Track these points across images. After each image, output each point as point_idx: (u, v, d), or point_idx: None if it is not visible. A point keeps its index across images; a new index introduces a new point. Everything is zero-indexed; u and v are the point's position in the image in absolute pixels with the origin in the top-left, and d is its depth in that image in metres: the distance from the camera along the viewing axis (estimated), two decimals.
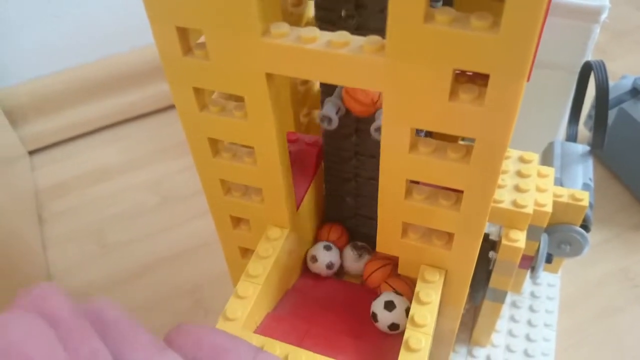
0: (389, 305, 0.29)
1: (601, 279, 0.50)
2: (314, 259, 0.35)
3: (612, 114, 0.54)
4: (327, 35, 0.22)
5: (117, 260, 0.55)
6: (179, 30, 0.23)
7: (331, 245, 0.35)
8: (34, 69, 0.64)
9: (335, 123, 0.29)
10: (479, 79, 0.21)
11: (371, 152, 0.32)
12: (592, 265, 0.51)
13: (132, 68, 0.67)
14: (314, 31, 0.22)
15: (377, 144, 0.25)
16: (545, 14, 0.19)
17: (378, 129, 0.29)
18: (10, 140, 0.64)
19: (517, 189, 0.33)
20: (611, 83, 0.59)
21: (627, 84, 0.54)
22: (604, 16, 0.40)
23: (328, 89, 0.30)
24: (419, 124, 0.23)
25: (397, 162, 0.25)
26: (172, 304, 0.50)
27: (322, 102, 0.30)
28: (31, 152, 0.67)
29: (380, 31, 0.21)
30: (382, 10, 0.25)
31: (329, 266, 0.34)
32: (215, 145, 0.29)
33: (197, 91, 0.26)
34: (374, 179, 0.33)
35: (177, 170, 0.64)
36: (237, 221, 0.34)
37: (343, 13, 0.27)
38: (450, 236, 0.28)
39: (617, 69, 0.73)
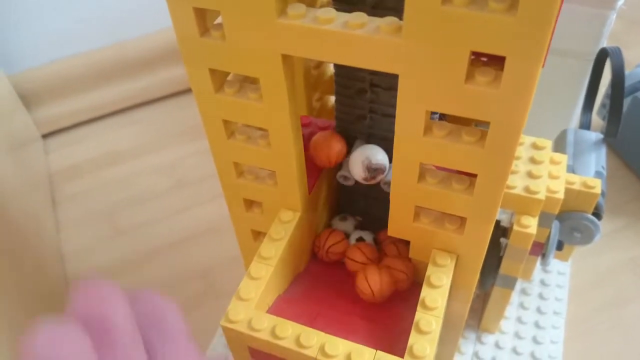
0: None
1: (611, 268, 0.50)
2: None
3: (625, 103, 0.54)
4: (344, 16, 0.22)
5: (129, 243, 0.55)
6: (196, 11, 0.23)
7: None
8: (48, 53, 0.65)
9: (352, 181, 0.32)
10: (495, 64, 0.21)
11: (385, 111, 0.31)
12: (602, 255, 0.51)
13: (145, 53, 0.67)
14: (331, 12, 0.22)
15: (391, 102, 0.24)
16: None
17: (387, 183, 0.31)
18: (25, 124, 0.65)
19: (530, 175, 0.33)
20: (626, 72, 0.58)
21: None
22: (620, 2, 0.40)
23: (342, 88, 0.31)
24: (435, 107, 0.23)
25: (411, 145, 0.25)
26: (184, 287, 0.51)
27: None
28: (45, 136, 0.68)
29: (397, 10, 0.21)
30: None
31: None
32: (229, 127, 0.29)
33: (213, 72, 0.26)
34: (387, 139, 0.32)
35: (188, 154, 0.64)
36: (249, 204, 0.34)
37: None
38: (462, 221, 0.28)
39: (632, 57, 0.72)
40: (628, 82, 0.54)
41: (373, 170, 0.30)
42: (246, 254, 0.39)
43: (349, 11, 0.23)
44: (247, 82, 0.27)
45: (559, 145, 0.43)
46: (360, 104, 0.31)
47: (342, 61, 0.23)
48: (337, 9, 0.23)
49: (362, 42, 0.22)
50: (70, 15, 0.64)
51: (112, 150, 0.66)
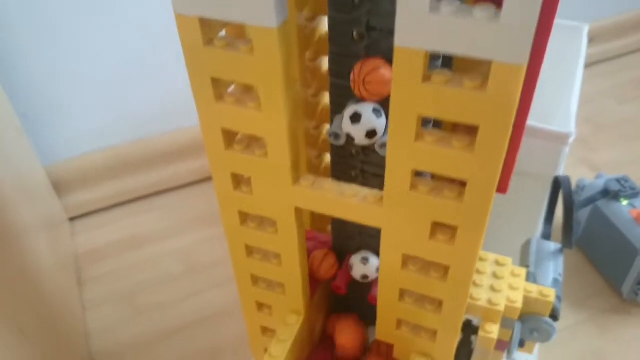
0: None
1: (575, 358, 0.56)
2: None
3: (588, 210, 0.62)
4: (341, 187, 0.30)
5: (147, 323, 0.62)
6: (232, 175, 0.31)
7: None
8: (79, 147, 0.73)
9: (343, 139, 0.30)
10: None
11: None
12: (567, 345, 0.57)
13: (166, 148, 0.76)
14: (331, 183, 0.30)
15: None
16: (513, 156, 0.27)
17: (383, 145, 0.30)
18: (55, 208, 0.72)
19: (492, 288, 0.40)
20: (588, 181, 0.66)
21: (601, 183, 0.62)
22: (571, 139, 0.48)
23: (337, 106, 0.31)
24: (408, 252, 0.30)
25: (392, 275, 0.32)
26: None
27: (332, 119, 0.31)
28: (72, 219, 0.76)
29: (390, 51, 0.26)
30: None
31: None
32: (250, 249, 0.37)
33: (241, 212, 0.34)
34: None
35: (202, 240, 0.72)
36: (260, 306, 0.41)
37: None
38: (434, 331, 0.35)
39: (599, 160, 0.81)
40: (589, 192, 0.62)
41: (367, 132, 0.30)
42: (255, 345, 0.45)
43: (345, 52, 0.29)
44: (266, 218, 0.35)
45: (524, 252, 0.51)
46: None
47: (339, 216, 0.31)
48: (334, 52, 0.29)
49: (354, 206, 0.29)
50: (99, 114, 0.73)
51: (133, 235, 0.73)
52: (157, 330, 0.61)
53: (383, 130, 0.29)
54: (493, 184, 0.25)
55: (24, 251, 0.56)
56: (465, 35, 0.21)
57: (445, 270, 0.31)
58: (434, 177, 0.28)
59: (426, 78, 0.23)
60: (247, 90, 0.29)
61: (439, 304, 0.33)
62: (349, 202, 0.30)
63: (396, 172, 0.26)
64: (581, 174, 0.77)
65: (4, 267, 0.48)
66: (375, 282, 0.37)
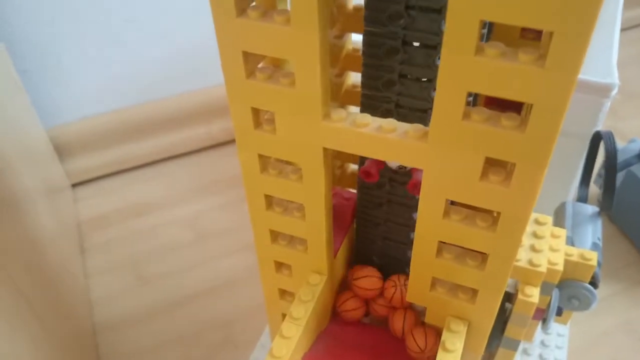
0: None
1: (608, 330, 0.53)
2: None
3: (620, 176, 0.58)
4: (378, 121, 0.26)
5: (153, 292, 0.59)
6: (253, 109, 0.28)
7: None
8: (83, 109, 0.70)
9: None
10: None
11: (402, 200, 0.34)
12: (599, 318, 0.54)
13: (173, 112, 0.72)
14: (367, 117, 0.26)
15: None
16: None
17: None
18: (57, 173, 0.69)
19: (533, 249, 0.37)
20: (620, 145, 0.63)
21: (635, 147, 0.58)
22: (614, 92, 0.44)
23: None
24: (453, 197, 0.27)
25: (431, 226, 0.29)
26: (204, 337, 0.54)
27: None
28: (74, 185, 0.72)
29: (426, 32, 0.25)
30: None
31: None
32: (269, 198, 0.33)
33: (261, 157, 0.30)
34: (404, 224, 0.36)
35: (210, 208, 0.68)
36: (279, 266, 0.38)
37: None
38: (474, 292, 0.31)
39: (627, 128, 0.77)
40: (622, 157, 0.58)
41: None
42: (271, 310, 0.42)
43: (381, 32, 0.27)
44: (288, 164, 0.31)
45: (558, 216, 0.47)
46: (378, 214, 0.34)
47: (375, 156, 0.27)
48: (370, 30, 0.27)
49: (393, 144, 0.26)
50: (104, 76, 0.69)
51: (139, 202, 0.70)
52: (162, 300, 0.58)
53: None
54: (564, 106, 0.21)
55: (25, 216, 0.53)
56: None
57: (493, 218, 0.28)
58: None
59: None
60: (272, 3, 0.25)
61: (483, 259, 0.30)
62: (387, 138, 0.26)
63: (448, 94, 0.23)
64: None
65: (4, 232, 0.45)
66: (415, 169, 0.31)
